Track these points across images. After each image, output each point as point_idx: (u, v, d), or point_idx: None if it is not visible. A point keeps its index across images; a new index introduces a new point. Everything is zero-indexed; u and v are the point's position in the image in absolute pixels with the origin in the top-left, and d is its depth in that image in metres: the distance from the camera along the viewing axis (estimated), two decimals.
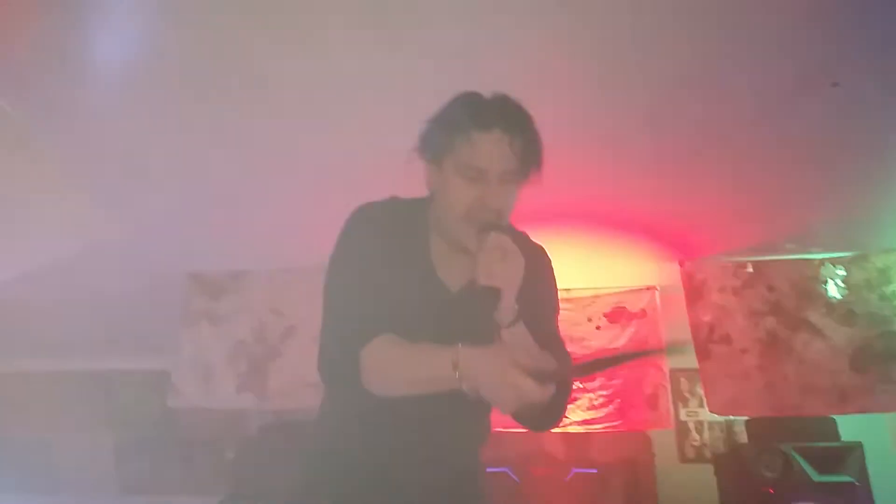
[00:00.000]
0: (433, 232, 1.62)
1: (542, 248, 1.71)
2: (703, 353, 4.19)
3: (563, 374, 1.47)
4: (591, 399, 4.35)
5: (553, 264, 1.72)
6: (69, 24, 2.38)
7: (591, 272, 4.38)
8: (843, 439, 3.87)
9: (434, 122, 1.54)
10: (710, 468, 4.27)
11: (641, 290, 4.49)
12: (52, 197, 3.51)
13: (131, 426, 5.79)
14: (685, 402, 5.36)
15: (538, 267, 1.62)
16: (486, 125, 1.47)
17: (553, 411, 1.48)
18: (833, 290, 4.21)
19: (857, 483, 3.61)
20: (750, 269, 4.27)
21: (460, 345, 1.34)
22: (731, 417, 4.89)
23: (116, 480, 5.80)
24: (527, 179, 1.53)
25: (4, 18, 2.36)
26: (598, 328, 4.43)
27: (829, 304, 4.19)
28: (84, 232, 3.83)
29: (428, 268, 1.60)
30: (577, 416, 4.32)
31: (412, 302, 1.56)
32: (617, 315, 4.45)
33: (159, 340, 4.70)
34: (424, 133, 1.55)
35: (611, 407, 4.33)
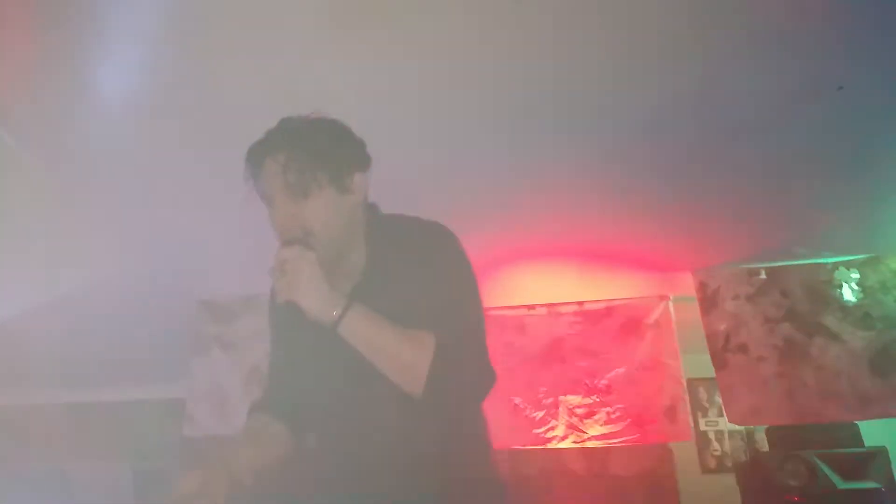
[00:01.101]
0: None
1: (433, 230, 1.61)
2: (719, 362, 4.15)
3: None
4: (608, 413, 4.31)
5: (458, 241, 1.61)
6: (77, 49, 2.40)
7: (604, 285, 4.36)
8: (866, 445, 3.82)
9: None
10: (732, 478, 4.22)
11: (655, 300, 4.46)
12: (63, 227, 3.53)
13: (149, 456, 5.79)
14: (704, 412, 5.31)
15: (430, 255, 1.56)
16: (258, 161, 1.53)
17: (443, 381, 1.44)
18: (848, 294, 4.17)
19: (883, 489, 3.55)
20: (763, 276, 4.23)
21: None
22: (752, 426, 4.84)
23: None
24: (345, 182, 1.53)
25: (9, 40, 2.38)
26: (612, 340, 4.40)
27: (845, 308, 4.15)
28: (96, 262, 3.85)
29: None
30: (595, 431, 4.28)
31: (306, 343, 1.59)
32: (631, 326, 4.42)
33: (175, 368, 4.71)
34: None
35: (629, 420, 4.28)
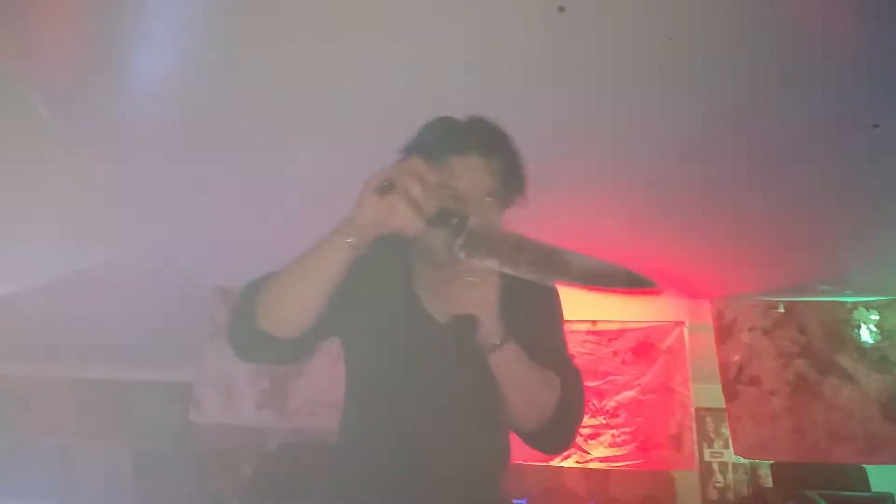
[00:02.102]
0: (418, 262, 1.57)
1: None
2: (730, 393, 4.11)
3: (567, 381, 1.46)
4: (613, 436, 4.28)
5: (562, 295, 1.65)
6: (114, 31, 2.42)
7: (619, 306, 4.33)
8: (873, 490, 3.77)
9: (406, 151, 1.50)
10: None
11: (669, 325, 4.43)
12: (82, 206, 3.56)
13: (151, 438, 5.82)
14: (710, 443, 5.27)
15: (536, 285, 1.54)
16: (461, 150, 1.43)
17: (560, 427, 1.46)
18: (866, 335, 4.12)
19: None
20: (781, 310, 4.20)
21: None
22: (757, 461, 4.80)
23: (133, 491, 5.82)
24: (511, 203, 1.50)
25: (50, 19, 2.40)
26: (623, 363, 4.37)
27: (861, 349, 4.10)
28: (113, 241, 3.88)
29: (413, 299, 1.56)
30: (599, 453, 4.25)
31: (397, 334, 1.53)
32: (643, 350, 4.39)
33: (183, 353, 4.73)
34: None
35: (634, 445, 4.25)
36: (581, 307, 4.30)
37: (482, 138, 1.46)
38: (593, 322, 4.39)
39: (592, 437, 4.26)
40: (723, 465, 5.28)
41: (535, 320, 1.49)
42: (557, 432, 1.49)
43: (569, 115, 2.69)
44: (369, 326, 1.54)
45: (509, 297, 1.36)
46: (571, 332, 4.38)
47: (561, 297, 1.66)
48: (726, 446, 5.13)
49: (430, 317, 1.54)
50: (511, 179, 1.48)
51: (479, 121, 1.51)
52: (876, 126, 2.64)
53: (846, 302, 4.16)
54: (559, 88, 2.55)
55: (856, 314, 4.14)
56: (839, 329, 4.13)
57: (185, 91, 2.71)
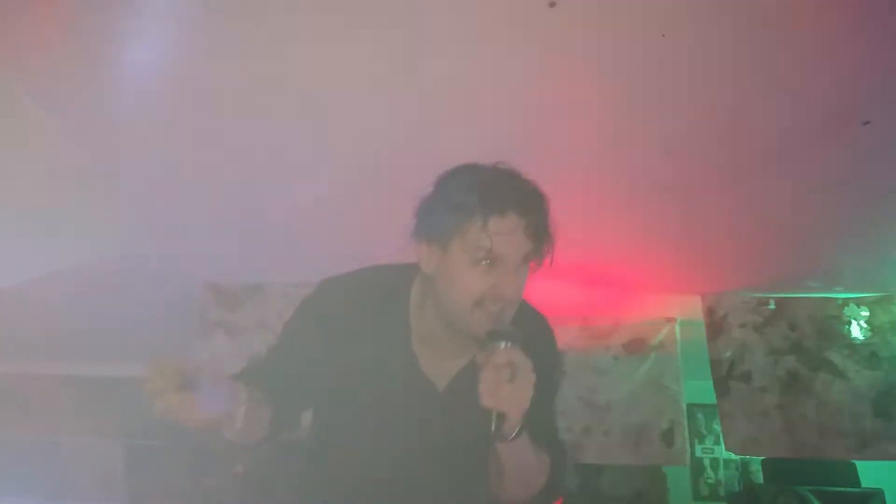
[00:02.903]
0: (414, 317, 1.52)
1: (544, 321, 1.61)
2: (721, 389, 4.12)
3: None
4: (605, 431, 4.29)
5: (555, 333, 1.63)
6: (104, 25, 2.40)
7: (611, 302, 4.34)
8: (863, 485, 3.79)
9: (435, 203, 1.43)
10: None
11: (661, 321, 4.44)
12: (74, 201, 3.54)
13: (142, 434, 5.81)
14: (701, 439, 5.30)
15: (540, 350, 1.49)
16: (500, 209, 1.35)
17: (545, 499, 1.49)
18: (856, 332, 4.14)
19: None
20: (772, 306, 4.21)
21: None
22: (748, 457, 4.82)
23: (124, 488, 5.81)
24: (540, 263, 1.43)
25: (40, 15, 2.38)
26: (615, 358, 4.38)
27: (852, 346, 4.12)
28: (103, 238, 3.86)
29: (411, 361, 1.51)
30: (591, 448, 4.26)
31: (394, 400, 1.50)
32: (635, 346, 4.40)
33: (175, 349, 4.71)
34: (424, 214, 1.45)
35: (625, 440, 4.26)
36: (574, 303, 4.31)
37: (519, 196, 1.39)
38: (585, 318, 4.39)
39: (584, 432, 4.27)
40: (714, 461, 5.31)
41: (539, 392, 1.41)
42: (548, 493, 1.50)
43: (557, 111, 2.69)
44: (360, 388, 1.51)
45: None
46: (564, 327, 4.38)
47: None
48: (717, 442, 5.16)
49: (427, 382, 1.51)
50: (544, 239, 1.41)
51: (512, 175, 1.43)
52: (867, 122, 2.65)
53: (837, 298, 4.18)
54: (548, 84, 2.55)
55: (846, 310, 4.16)
56: (830, 325, 4.15)
57: (176, 85, 2.69)
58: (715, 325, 4.23)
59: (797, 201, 3.29)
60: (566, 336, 4.34)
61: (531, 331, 1.50)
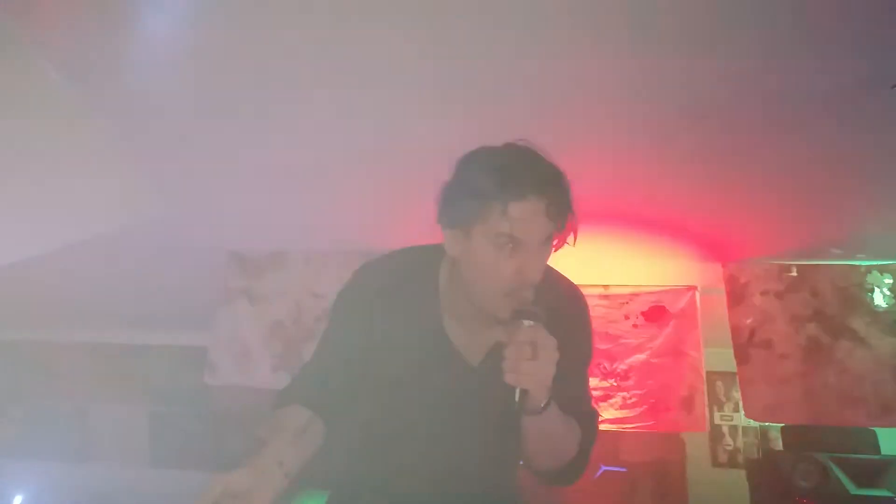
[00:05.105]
0: (445, 296, 1.54)
1: (577, 294, 1.63)
2: (742, 356, 4.11)
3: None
4: (624, 398, 4.30)
5: (587, 305, 1.65)
6: None
7: (631, 269, 4.33)
8: (883, 452, 3.78)
9: (456, 188, 1.43)
10: (742, 474, 4.22)
11: (681, 289, 4.42)
12: (99, 169, 3.57)
13: (166, 400, 5.91)
14: (720, 406, 5.29)
15: (572, 322, 1.54)
16: (520, 193, 1.34)
17: (577, 467, 1.50)
18: (879, 299, 4.10)
19: None
20: (794, 273, 4.18)
21: None
22: (767, 424, 4.82)
23: (148, 453, 5.93)
24: (562, 240, 1.42)
25: None
26: (634, 326, 4.37)
27: (874, 313, 4.09)
28: (129, 206, 3.89)
29: (442, 339, 1.53)
30: (610, 415, 4.28)
31: (428, 378, 1.52)
32: (655, 314, 4.39)
33: (198, 317, 4.77)
34: (446, 201, 1.44)
35: (644, 407, 4.27)
36: (594, 271, 4.30)
37: (538, 177, 1.37)
38: (605, 286, 4.38)
39: (603, 398, 4.28)
40: (733, 428, 5.31)
41: (570, 363, 1.43)
42: (570, 474, 1.52)
43: (583, 71, 2.66)
44: (397, 369, 1.53)
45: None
46: (584, 295, 4.37)
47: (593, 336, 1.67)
48: (736, 409, 5.16)
49: (461, 358, 1.53)
50: (565, 219, 1.40)
51: (530, 156, 1.41)
52: (894, 87, 2.60)
53: (860, 265, 4.14)
54: (570, 43, 2.52)
55: (869, 278, 4.12)
56: (852, 293, 4.11)
57: (200, 55, 2.70)
58: (736, 293, 4.21)
59: (822, 167, 3.25)
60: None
61: (563, 303, 1.52)
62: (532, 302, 1.37)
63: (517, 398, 1.30)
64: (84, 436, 6.01)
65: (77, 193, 3.72)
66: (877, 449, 3.82)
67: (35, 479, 5.63)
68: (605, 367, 4.32)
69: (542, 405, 1.34)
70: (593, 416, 1.57)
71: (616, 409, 4.29)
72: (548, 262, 1.44)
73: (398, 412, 1.57)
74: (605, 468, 4.42)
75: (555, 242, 1.42)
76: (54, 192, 3.67)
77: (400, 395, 1.55)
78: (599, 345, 4.34)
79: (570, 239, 1.43)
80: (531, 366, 1.29)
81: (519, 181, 1.35)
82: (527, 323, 1.32)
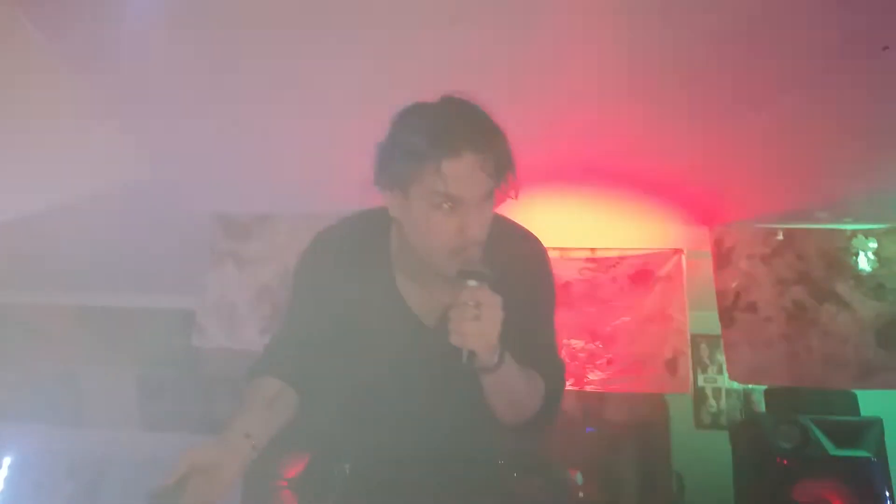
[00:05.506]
0: (397, 258, 1.53)
1: (531, 244, 1.59)
2: (727, 319, 4.14)
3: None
4: (609, 360, 4.34)
5: (547, 255, 1.62)
6: None
7: (618, 231, 4.33)
8: (862, 414, 3.84)
9: (389, 149, 1.40)
10: (725, 435, 4.27)
11: (668, 252, 4.43)
12: (83, 131, 3.53)
13: (155, 363, 5.92)
14: (704, 369, 5.35)
15: (528, 274, 1.52)
16: (454, 150, 1.31)
17: (544, 418, 1.50)
18: (863, 263, 4.13)
19: (874, 459, 3.58)
20: (780, 237, 4.19)
21: None
22: (750, 386, 4.88)
23: (138, 416, 5.95)
24: (504, 194, 1.41)
25: None
26: (621, 289, 4.39)
27: (859, 277, 4.11)
28: (115, 168, 3.85)
29: (398, 301, 1.53)
30: (595, 376, 4.32)
31: (389, 341, 1.53)
32: (641, 277, 4.41)
33: (185, 280, 4.76)
34: (381, 162, 1.42)
35: (629, 368, 4.31)
36: (580, 235, 4.30)
37: (471, 133, 1.34)
38: (592, 249, 4.38)
39: (589, 360, 4.32)
40: (716, 390, 5.38)
41: (529, 315, 1.45)
42: (537, 425, 1.51)
43: (570, 27, 2.62)
44: (359, 334, 1.54)
45: (504, 289, 1.32)
46: (570, 259, 4.39)
47: (553, 282, 1.62)
48: (720, 372, 5.22)
49: (417, 320, 1.53)
50: (504, 173, 1.38)
51: (463, 110, 1.38)
52: (886, 48, 2.58)
53: (845, 229, 4.15)
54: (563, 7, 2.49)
55: (854, 242, 4.14)
56: (837, 256, 4.13)
57: (181, 10, 2.65)
58: (722, 256, 4.23)
59: (809, 130, 3.24)
60: (573, 267, 4.36)
61: (518, 256, 1.51)
62: (480, 259, 1.35)
63: (465, 359, 1.29)
64: (74, 398, 6.02)
65: (56, 153, 3.68)
66: (856, 410, 3.88)
67: (24, 442, 5.65)
68: (591, 330, 4.35)
69: (494, 363, 1.33)
70: (559, 367, 1.56)
71: (601, 371, 4.34)
72: (516, 219, 1.44)
73: (366, 377, 1.58)
74: (589, 430, 4.47)
75: (497, 195, 1.40)
76: (33, 151, 3.63)
77: (366, 360, 1.56)
78: (586, 308, 4.36)
79: (513, 194, 1.41)
80: (475, 326, 1.27)
81: (452, 138, 1.32)
82: (471, 283, 1.31)
